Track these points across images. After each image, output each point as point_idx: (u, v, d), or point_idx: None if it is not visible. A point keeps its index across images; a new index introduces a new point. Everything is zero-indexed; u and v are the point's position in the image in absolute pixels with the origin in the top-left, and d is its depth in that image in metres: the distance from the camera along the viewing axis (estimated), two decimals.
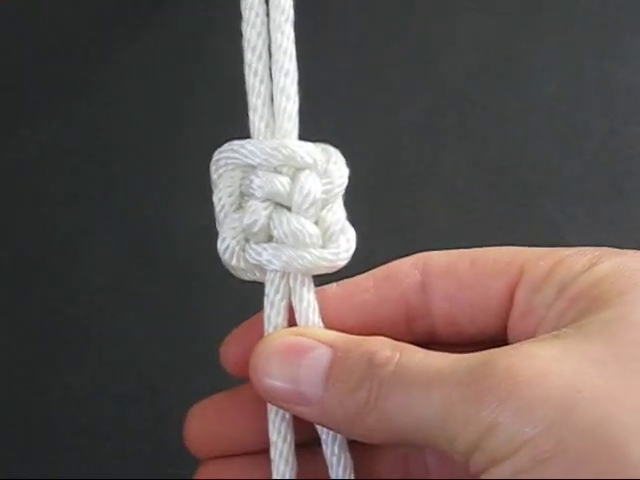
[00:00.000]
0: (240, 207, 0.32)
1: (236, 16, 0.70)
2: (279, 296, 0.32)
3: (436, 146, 0.68)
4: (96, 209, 0.66)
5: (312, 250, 0.31)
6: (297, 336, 0.31)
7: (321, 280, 0.35)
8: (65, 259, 0.64)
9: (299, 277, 0.32)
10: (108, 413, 0.61)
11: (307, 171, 0.31)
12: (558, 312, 0.30)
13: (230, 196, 0.32)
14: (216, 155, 0.33)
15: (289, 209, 0.31)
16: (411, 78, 0.70)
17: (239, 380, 0.62)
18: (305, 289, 0.32)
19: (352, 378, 0.28)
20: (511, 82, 0.70)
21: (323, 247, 0.31)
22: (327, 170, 0.32)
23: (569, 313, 0.29)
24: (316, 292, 0.32)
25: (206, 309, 0.63)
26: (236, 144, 0.32)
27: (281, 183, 0.31)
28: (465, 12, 0.72)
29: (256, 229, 0.31)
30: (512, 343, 0.31)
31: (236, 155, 0.32)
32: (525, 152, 0.68)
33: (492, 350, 0.27)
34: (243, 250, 0.32)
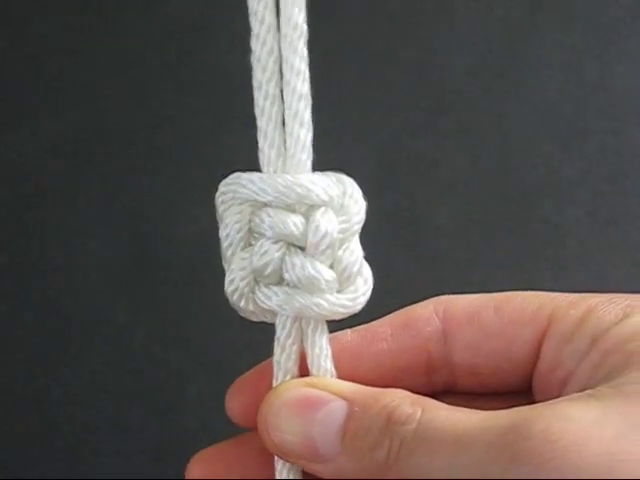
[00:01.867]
0: (249, 244, 0.29)
1: (237, 16, 0.70)
2: (290, 340, 0.30)
3: (436, 146, 0.68)
4: (96, 209, 0.66)
5: (328, 296, 0.29)
6: (310, 387, 0.28)
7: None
8: (65, 259, 0.64)
9: (312, 322, 0.30)
10: (108, 413, 0.61)
11: (322, 209, 0.29)
12: (590, 366, 0.28)
13: (238, 232, 0.29)
14: (222, 187, 0.30)
15: (302, 249, 0.29)
16: (411, 78, 0.70)
17: (238, 374, 0.62)
18: (318, 334, 0.30)
19: (370, 435, 0.27)
20: (511, 82, 0.70)
21: (339, 291, 0.29)
22: (343, 206, 0.29)
23: (603, 368, 0.27)
24: (329, 340, 0.30)
25: (206, 309, 0.63)
26: (245, 178, 0.29)
27: (294, 223, 0.28)
28: (465, 12, 0.72)
29: (268, 271, 0.29)
30: (537, 396, 0.30)
31: (244, 190, 0.29)
32: (525, 152, 0.68)
33: (524, 409, 0.25)
34: (252, 292, 0.29)
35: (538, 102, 0.69)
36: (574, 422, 0.24)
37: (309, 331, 0.30)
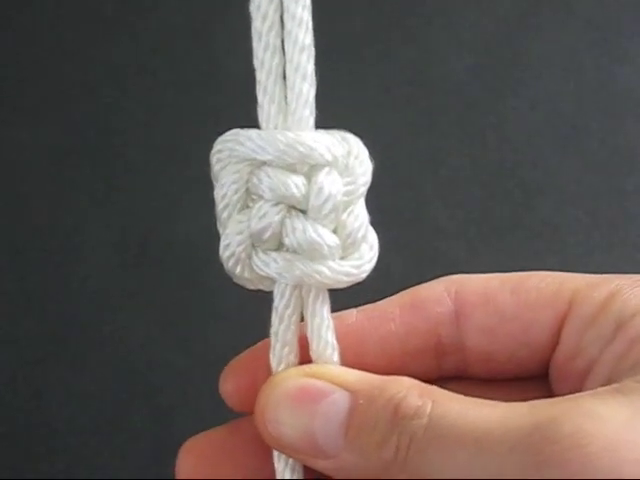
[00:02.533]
0: (246, 206, 0.27)
1: (237, 16, 0.70)
2: (289, 310, 0.27)
3: (436, 146, 0.68)
4: (96, 209, 0.66)
5: (331, 263, 0.26)
6: (310, 377, 0.26)
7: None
8: (65, 259, 0.64)
9: (313, 290, 0.27)
10: (108, 413, 0.61)
11: (326, 169, 0.26)
12: (615, 355, 0.26)
13: (235, 193, 0.27)
14: (218, 144, 0.28)
15: (304, 212, 0.26)
16: (411, 78, 0.70)
17: None
18: (319, 304, 0.27)
19: (376, 430, 0.24)
20: (511, 82, 0.70)
21: (343, 258, 0.27)
22: (348, 166, 0.27)
23: (628, 358, 0.25)
24: (334, 319, 0.28)
25: (206, 309, 0.63)
26: (243, 135, 0.27)
27: (295, 185, 0.26)
28: (465, 12, 0.72)
29: (266, 236, 0.26)
30: (555, 383, 0.28)
31: (242, 148, 0.27)
32: (525, 152, 0.68)
33: (546, 405, 0.23)
34: (249, 258, 0.27)
35: (538, 102, 0.69)
36: (604, 423, 0.22)
37: (309, 300, 0.27)
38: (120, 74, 0.70)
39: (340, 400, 0.25)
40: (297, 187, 0.26)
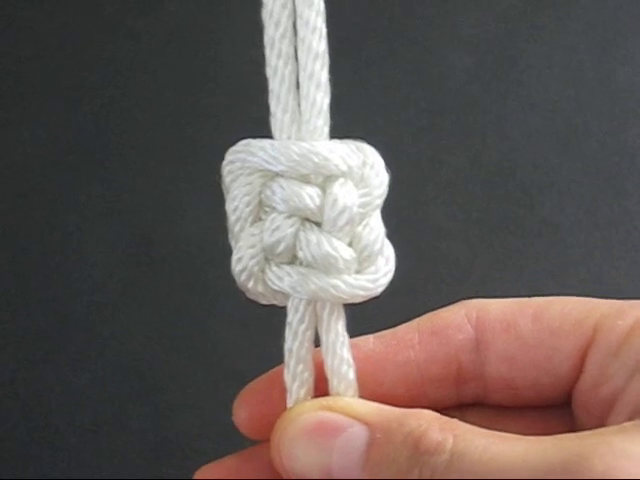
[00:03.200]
0: (259, 219, 0.26)
1: (238, 16, 0.71)
2: (303, 326, 0.27)
3: (436, 146, 0.68)
4: (96, 209, 0.66)
5: (346, 277, 0.26)
6: (326, 411, 0.25)
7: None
8: (65, 259, 0.64)
9: (327, 305, 0.26)
10: (108, 413, 0.61)
11: (341, 180, 0.25)
12: None
13: (248, 206, 0.26)
14: (230, 155, 0.27)
15: (318, 224, 0.26)
16: (411, 78, 0.70)
17: (238, 374, 0.63)
18: (334, 319, 0.27)
19: (396, 465, 0.24)
20: (511, 82, 0.70)
21: (358, 272, 0.26)
22: (364, 177, 0.26)
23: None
24: (352, 346, 0.27)
25: (206, 309, 0.63)
26: (255, 145, 0.26)
27: (310, 196, 0.25)
28: (465, 12, 0.72)
29: (280, 249, 0.26)
30: (578, 411, 0.27)
31: (255, 159, 0.26)
32: (525, 152, 0.68)
33: (573, 441, 0.22)
34: (262, 272, 0.26)
35: (538, 102, 0.69)
36: (635, 462, 0.21)
37: (324, 315, 0.26)
38: (120, 74, 0.70)
39: (358, 434, 0.25)
40: (311, 199, 0.25)
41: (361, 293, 0.26)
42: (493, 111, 0.69)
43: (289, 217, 0.26)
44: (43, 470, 0.59)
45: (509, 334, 0.28)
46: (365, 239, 0.26)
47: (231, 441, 0.62)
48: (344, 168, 0.26)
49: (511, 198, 0.67)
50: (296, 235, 0.26)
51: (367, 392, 0.27)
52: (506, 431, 0.25)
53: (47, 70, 0.70)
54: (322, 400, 0.26)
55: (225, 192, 0.27)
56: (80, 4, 0.71)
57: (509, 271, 0.65)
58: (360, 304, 0.28)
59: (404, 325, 0.29)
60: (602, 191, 0.67)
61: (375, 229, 0.26)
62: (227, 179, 0.26)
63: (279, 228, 0.26)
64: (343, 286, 0.26)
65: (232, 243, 0.27)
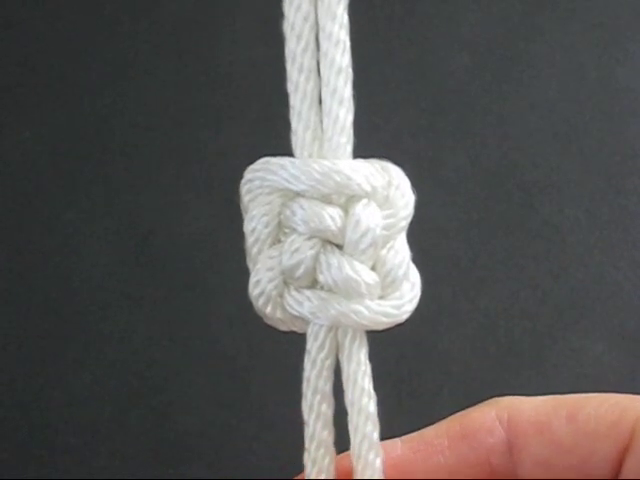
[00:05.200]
0: (277, 241, 0.25)
1: (238, 16, 0.71)
2: (323, 354, 0.25)
3: (436, 146, 0.68)
4: (96, 209, 0.66)
5: (369, 303, 0.24)
6: None
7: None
8: (65, 259, 0.64)
9: (349, 332, 0.25)
10: (108, 413, 0.61)
11: (364, 201, 0.24)
12: None
13: (266, 227, 0.25)
14: (248, 174, 0.25)
15: (340, 247, 0.25)
16: (411, 78, 0.70)
17: (238, 374, 0.63)
18: (356, 347, 0.25)
19: None
20: (511, 82, 0.70)
21: (382, 297, 0.25)
22: (388, 198, 0.25)
23: None
24: (380, 451, 0.26)
25: (206, 309, 0.63)
26: (275, 164, 0.25)
27: (331, 217, 0.24)
28: (465, 12, 0.72)
29: (299, 273, 0.24)
30: None
31: (275, 177, 0.25)
32: (525, 152, 0.68)
33: None
34: (281, 296, 0.25)
35: (538, 102, 0.69)
36: None
37: (346, 343, 0.25)
38: (120, 74, 0.70)
39: None
40: (333, 220, 0.24)
41: (384, 320, 0.25)
42: (493, 111, 0.69)
43: (309, 239, 0.25)
44: (43, 470, 0.59)
45: (543, 437, 0.27)
46: (389, 263, 0.25)
47: (231, 441, 0.62)
48: (367, 188, 0.24)
49: (511, 198, 0.67)
50: (316, 258, 0.25)
51: None
52: None
53: (47, 70, 0.70)
54: None
55: (243, 212, 0.25)
56: (80, 4, 0.71)
57: (509, 271, 0.65)
58: (382, 331, 0.27)
59: (431, 428, 0.28)
60: (602, 191, 0.67)
61: (400, 252, 0.25)
62: (245, 198, 0.25)
63: (299, 250, 0.24)
64: (365, 312, 0.25)
65: (250, 266, 0.25)
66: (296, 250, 0.24)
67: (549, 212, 0.66)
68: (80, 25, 0.71)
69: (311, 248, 0.24)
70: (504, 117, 0.69)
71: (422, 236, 0.65)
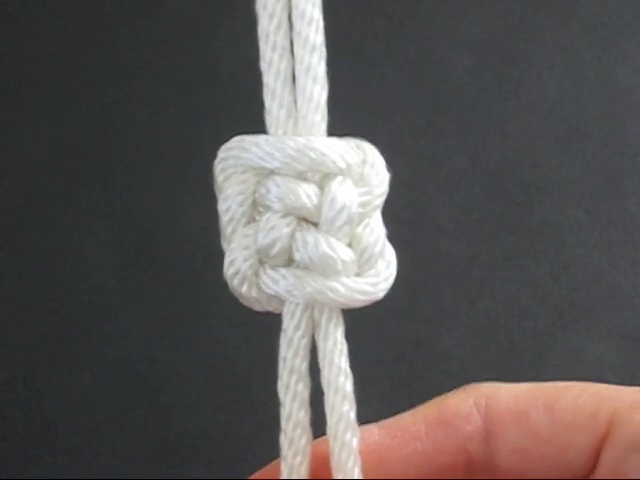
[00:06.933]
0: (252, 220, 0.25)
1: (239, 16, 0.71)
2: (299, 333, 0.25)
3: (436, 146, 0.68)
4: (96, 209, 0.66)
5: (345, 280, 0.24)
6: None
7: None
8: (65, 259, 0.64)
9: (326, 310, 0.25)
10: (108, 413, 0.61)
11: (339, 178, 0.24)
12: None
13: (241, 206, 0.25)
14: (222, 152, 0.25)
15: (315, 225, 0.24)
16: (411, 78, 0.70)
17: (238, 374, 0.63)
18: (332, 325, 0.25)
19: None
20: (511, 82, 0.70)
21: (358, 275, 0.25)
22: (363, 175, 0.25)
23: None
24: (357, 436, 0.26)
25: (206, 309, 0.63)
26: (249, 141, 0.25)
27: (307, 194, 0.24)
28: (465, 12, 0.72)
29: (275, 251, 0.24)
30: None
31: (248, 155, 0.25)
32: (525, 152, 0.68)
33: None
34: (256, 275, 0.25)
35: (538, 102, 0.69)
36: None
37: (322, 322, 0.25)
38: (120, 74, 0.70)
39: None
40: (308, 197, 0.24)
41: (361, 297, 0.25)
42: (493, 111, 0.69)
43: (285, 216, 0.24)
44: (43, 470, 0.59)
45: (520, 426, 0.27)
46: (365, 240, 0.25)
47: (231, 441, 0.62)
48: (342, 165, 0.24)
49: (511, 198, 0.67)
50: (292, 235, 0.24)
51: None
52: None
53: (47, 70, 0.70)
54: None
55: (217, 192, 0.25)
56: (80, 4, 0.71)
57: (509, 271, 0.65)
58: (358, 309, 0.26)
59: (408, 414, 0.28)
60: (602, 191, 0.67)
61: (376, 230, 0.25)
62: (219, 178, 0.25)
63: (274, 228, 0.24)
64: (342, 289, 0.24)
65: (224, 246, 0.25)
66: (272, 228, 0.24)
67: (549, 212, 0.66)
68: (80, 25, 0.71)
69: (287, 226, 0.24)
70: (504, 117, 0.69)
71: (422, 236, 0.65)
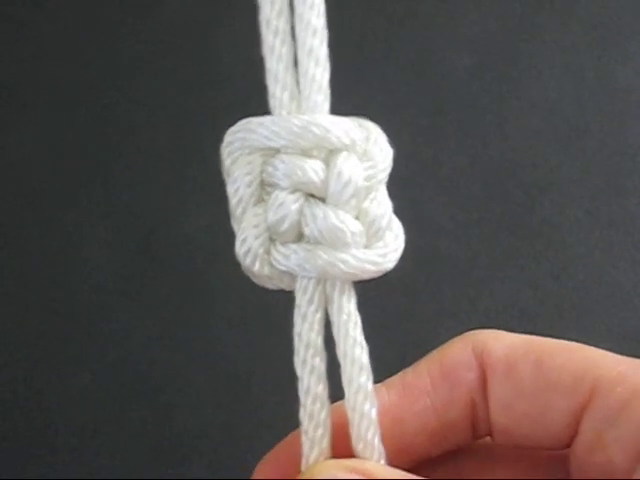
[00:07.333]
0: (261, 200, 0.25)
1: (239, 16, 0.71)
2: (313, 307, 0.25)
3: (436, 146, 0.68)
4: (96, 209, 0.66)
5: (355, 251, 0.25)
6: (350, 472, 0.24)
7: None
8: (65, 259, 0.64)
9: (338, 283, 0.25)
10: (108, 413, 0.61)
11: (344, 154, 0.25)
12: (636, 462, 0.24)
13: (249, 186, 0.25)
14: (229, 136, 0.26)
15: (323, 201, 0.25)
16: (411, 78, 0.70)
17: (238, 374, 0.63)
18: (345, 298, 0.25)
19: None
20: (511, 82, 0.70)
21: (367, 247, 0.25)
22: (367, 151, 0.26)
23: None
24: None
25: (206, 309, 0.63)
26: (254, 122, 0.25)
27: (313, 170, 0.24)
28: (465, 12, 0.72)
29: (284, 227, 0.25)
30: (574, 471, 0.26)
31: (254, 136, 0.25)
32: (525, 152, 0.68)
33: None
34: (268, 253, 0.25)
35: (538, 102, 0.69)
36: None
37: (334, 295, 0.25)
38: (120, 74, 0.70)
39: None
40: (315, 172, 0.25)
41: (371, 268, 0.25)
42: (493, 111, 0.69)
43: (293, 192, 0.25)
44: (43, 470, 0.59)
45: (508, 380, 0.27)
46: (372, 213, 0.25)
47: (231, 441, 0.62)
48: (347, 141, 0.25)
49: (511, 198, 0.67)
50: (301, 211, 0.25)
51: (389, 446, 0.26)
52: (504, 476, 0.25)
53: (47, 70, 0.70)
54: (346, 461, 0.25)
55: (225, 176, 0.26)
56: (80, 4, 0.71)
57: (509, 271, 0.65)
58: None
59: (411, 369, 0.28)
60: (602, 191, 0.67)
61: (382, 203, 0.26)
62: (227, 161, 0.26)
63: (283, 204, 0.25)
64: (352, 260, 0.25)
65: (235, 227, 0.25)
66: (280, 204, 0.25)
67: (549, 212, 0.66)
68: (80, 25, 0.71)
69: (295, 201, 0.25)
70: (504, 117, 0.69)
71: (422, 236, 0.65)
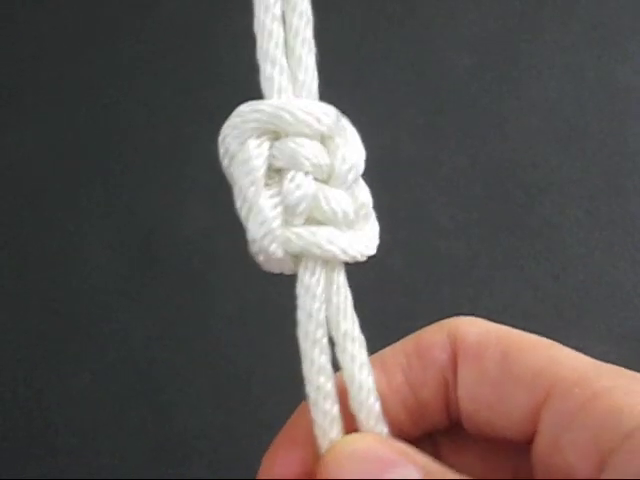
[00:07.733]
0: (266, 184, 0.26)
1: (238, 16, 0.71)
2: (320, 288, 0.26)
3: (436, 146, 0.68)
4: (96, 209, 0.66)
5: (356, 233, 0.26)
6: (378, 443, 0.25)
7: None
8: (65, 259, 0.64)
9: (337, 266, 0.26)
10: (108, 413, 0.61)
11: (342, 140, 0.26)
12: (594, 469, 0.24)
13: (259, 169, 0.25)
14: (234, 118, 0.26)
15: (325, 182, 0.26)
16: (411, 78, 0.70)
17: (238, 374, 0.63)
18: (342, 280, 0.26)
19: None
20: (511, 82, 0.70)
21: (360, 230, 0.26)
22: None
23: (608, 472, 0.23)
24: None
25: (206, 309, 0.63)
26: (265, 105, 0.25)
27: (319, 153, 0.25)
28: (465, 12, 0.72)
29: (301, 208, 0.25)
30: (537, 469, 0.26)
31: (262, 117, 0.25)
32: (525, 152, 0.68)
33: None
34: (283, 235, 0.26)
35: (538, 102, 0.69)
36: None
37: (335, 277, 0.26)
38: (120, 74, 0.70)
39: (411, 474, 0.24)
40: (321, 156, 0.25)
41: (365, 251, 0.26)
42: (493, 111, 0.69)
43: (307, 175, 0.25)
44: (43, 470, 0.59)
45: (476, 366, 0.27)
46: (362, 197, 0.26)
47: (231, 441, 0.62)
48: (347, 126, 0.26)
49: (511, 198, 0.67)
50: (316, 193, 0.25)
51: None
52: (468, 462, 0.25)
53: (47, 70, 0.70)
54: (372, 434, 0.26)
55: (232, 160, 0.26)
56: (80, 4, 0.71)
57: (509, 271, 0.65)
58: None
59: (388, 349, 0.29)
60: (602, 191, 0.67)
61: (366, 189, 0.26)
62: (233, 145, 0.26)
63: (301, 186, 0.25)
64: (357, 242, 0.26)
65: (243, 212, 0.26)
66: (298, 186, 0.25)
67: (549, 212, 0.66)
68: (80, 25, 0.71)
69: (310, 183, 0.25)
70: (504, 117, 0.69)
71: (422, 236, 0.65)
